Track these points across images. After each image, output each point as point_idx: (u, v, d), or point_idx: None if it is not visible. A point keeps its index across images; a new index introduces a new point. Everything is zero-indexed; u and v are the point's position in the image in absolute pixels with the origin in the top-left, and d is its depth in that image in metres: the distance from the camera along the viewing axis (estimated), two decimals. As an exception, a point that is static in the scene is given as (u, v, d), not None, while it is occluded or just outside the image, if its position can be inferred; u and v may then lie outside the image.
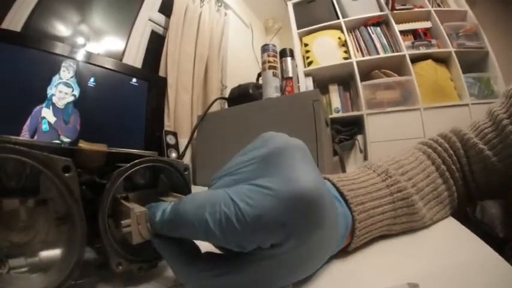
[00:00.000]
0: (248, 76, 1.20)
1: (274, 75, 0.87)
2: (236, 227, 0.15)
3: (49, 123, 0.76)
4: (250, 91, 0.97)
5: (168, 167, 0.24)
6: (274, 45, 0.92)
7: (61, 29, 1.00)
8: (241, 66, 1.62)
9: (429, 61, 1.60)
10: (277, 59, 0.91)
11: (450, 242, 0.26)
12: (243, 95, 0.97)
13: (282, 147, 0.18)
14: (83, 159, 0.19)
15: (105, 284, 0.21)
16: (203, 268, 0.17)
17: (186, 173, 0.25)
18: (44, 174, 0.16)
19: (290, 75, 0.90)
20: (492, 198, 0.54)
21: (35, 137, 0.72)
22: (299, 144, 0.19)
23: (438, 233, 0.28)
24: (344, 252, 0.24)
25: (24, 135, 0.71)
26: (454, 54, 1.58)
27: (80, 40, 1.08)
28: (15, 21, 0.83)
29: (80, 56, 0.85)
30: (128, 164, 0.20)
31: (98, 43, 1.14)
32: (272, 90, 0.84)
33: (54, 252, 0.18)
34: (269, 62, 0.88)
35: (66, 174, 0.17)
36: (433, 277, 0.19)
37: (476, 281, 0.18)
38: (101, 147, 0.20)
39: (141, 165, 0.21)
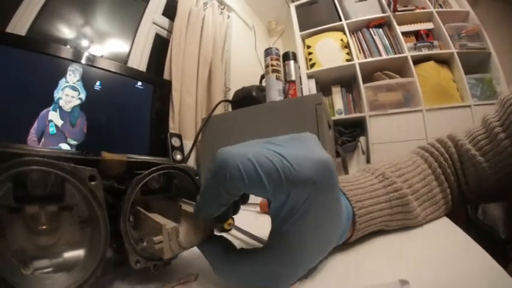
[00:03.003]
0: (251, 78, 1.21)
1: (278, 78, 0.88)
2: (281, 177, 0.17)
3: (56, 126, 0.77)
4: (254, 94, 0.98)
5: (181, 173, 0.25)
6: (277, 49, 0.93)
7: (66, 32, 1.02)
8: (245, 68, 1.64)
9: (431, 62, 1.60)
10: (280, 63, 0.92)
11: (443, 241, 0.28)
12: (247, 98, 0.99)
13: (303, 134, 0.22)
14: (105, 168, 0.20)
15: (121, 281, 0.23)
16: (244, 257, 0.20)
17: (197, 178, 0.27)
18: (71, 183, 0.18)
19: (293, 78, 0.91)
20: (487, 202, 0.56)
21: (42, 140, 0.74)
22: (314, 136, 0.23)
23: (432, 233, 0.30)
24: (346, 245, 0.27)
25: (32, 138, 0.73)
26: (456, 55, 1.58)
27: (86, 43, 1.09)
28: (20, 24, 0.84)
29: (86, 59, 0.87)
30: (146, 172, 0.22)
31: (103, 46, 1.16)
32: (275, 93, 0.86)
33: (78, 253, 0.20)
34: (272, 65, 0.89)
35: (92, 183, 0.18)
36: (424, 275, 0.20)
37: (465, 280, 0.20)
38: (122, 157, 0.22)
39: (157, 173, 0.23)
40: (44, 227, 0.19)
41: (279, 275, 0.19)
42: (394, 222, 0.30)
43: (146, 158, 0.26)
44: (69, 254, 0.20)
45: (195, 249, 0.26)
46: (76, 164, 0.18)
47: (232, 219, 0.39)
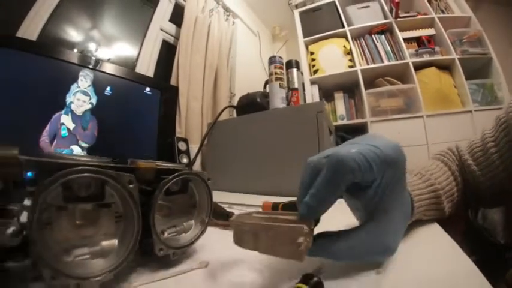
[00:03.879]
0: (256, 83, 1.25)
1: (281, 86, 0.91)
2: (381, 160, 0.23)
3: (68, 129, 0.81)
4: (258, 100, 1.01)
5: (197, 177, 0.30)
6: (280, 57, 0.96)
7: (76, 37, 1.06)
8: (250, 73, 1.68)
9: (433, 68, 1.61)
10: (284, 70, 0.95)
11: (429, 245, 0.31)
12: (251, 104, 1.02)
13: (372, 133, 0.28)
14: (139, 174, 0.25)
15: (143, 267, 0.27)
16: (355, 235, 0.24)
17: (209, 181, 0.32)
18: (113, 186, 0.22)
19: (296, 86, 0.95)
20: (484, 206, 0.58)
21: (55, 142, 0.77)
22: (380, 133, 0.29)
23: (420, 236, 0.33)
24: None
25: (44, 140, 0.76)
26: (457, 61, 1.59)
27: (95, 49, 1.13)
28: (31, 28, 0.87)
29: (97, 65, 0.90)
30: (170, 177, 0.26)
31: (111, 51, 1.20)
32: (278, 101, 0.89)
33: (113, 242, 0.24)
34: (276, 73, 0.92)
35: (131, 186, 0.23)
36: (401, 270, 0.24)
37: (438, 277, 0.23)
38: (152, 165, 0.26)
39: (179, 177, 0.27)
40: (86, 221, 0.23)
41: (388, 244, 0.24)
42: (429, 212, 0.35)
43: (170, 165, 0.31)
44: (106, 243, 0.23)
45: (206, 241, 0.31)
46: (118, 171, 0.22)
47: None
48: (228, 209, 0.52)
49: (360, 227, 0.24)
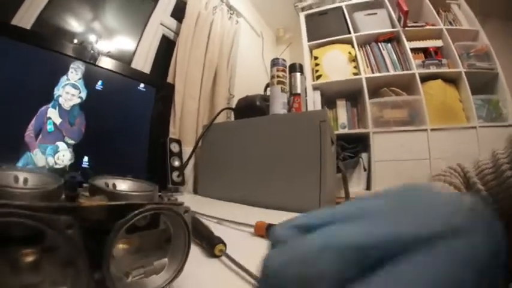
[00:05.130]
0: (256, 85, 1.20)
1: (283, 90, 0.86)
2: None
3: (54, 124, 0.76)
4: (258, 103, 0.96)
5: (170, 213, 0.24)
6: (284, 60, 0.91)
7: (71, 29, 1.01)
8: (250, 75, 1.63)
9: (439, 81, 1.58)
10: (287, 74, 0.90)
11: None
12: (250, 107, 0.97)
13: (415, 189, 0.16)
14: (85, 213, 0.19)
15: None
16: None
17: (185, 214, 0.26)
18: (50, 232, 0.17)
19: (298, 91, 0.90)
20: None
21: (40, 137, 0.73)
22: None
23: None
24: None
25: (29, 134, 0.71)
26: (464, 75, 1.56)
27: (90, 41, 1.08)
28: (27, 16, 0.83)
29: (90, 58, 0.86)
30: (129, 215, 0.20)
31: (108, 45, 1.14)
32: (279, 106, 0.84)
33: None
34: (278, 76, 0.87)
35: (69, 231, 0.17)
36: None
37: None
38: (101, 202, 0.20)
39: (142, 215, 0.22)
40: (27, 267, 0.18)
41: None
42: None
43: (131, 194, 0.25)
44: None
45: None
46: (53, 212, 0.17)
47: (225, 245, 0.37)
48: (214, 226, 0.47)
49: None
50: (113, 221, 0.20)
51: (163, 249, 0.26)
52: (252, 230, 0.48)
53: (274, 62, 0.90)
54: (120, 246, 0.25)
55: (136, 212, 0.21)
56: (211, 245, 0.36)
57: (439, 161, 1.39)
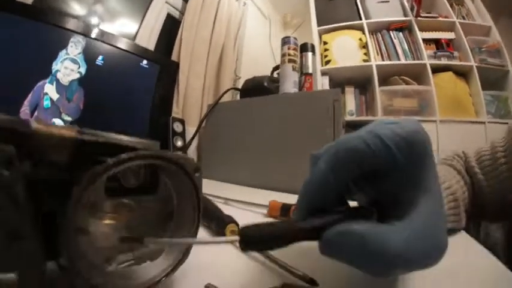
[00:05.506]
0: (262, 69, 1.15)
1: (294, 69, 0.82)
2: (397, 140, 0.17)
3: (51, 99, 0.74)
4: (266, 84, 0.92)
5: (172, 165, 0.18)
6: (295, 38, 0.87)
7: (74, 4, 0.97)
8: (256, 58, 1.57)
9: (450, 73, 1.55)
10: (298, 53, 0.86)
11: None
12: (258, 88, 0.93)
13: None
14: (39, 147, 0.13)
15: None
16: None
17: (196, 174, 0.19)
18: None
19: (310, 71, 0.85)
20: (484, 219, 0.56)
21: (35, 113, 0.70)
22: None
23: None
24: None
25: (25, 110, 0.69)
26: (475, 69, 1.53)
27: (92, 16, 1.04)
28: None
29: (90, 32, 0.82)
30: (110, 160, 0.14)
31: (110, 21, 1.10)
32: (290, 84, 0.79)
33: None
34: (289, 55, 0.83)
35: (5, 173, 0.11)
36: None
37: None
38: (67, 131, 0.14)
39: (129, 163, 0.15)
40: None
41: (442, 237, 0.17)
42: (451, 218, 0.32)
43: (117, 139, 0.16)
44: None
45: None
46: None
47: (237, 225, 0.33)
48: (224, 205, 0.43)
49: (409, 212, 0.17)
50: (84, 171, 0.14)
51: (162, 227, 0.20)
52: (264, 210, 0.44)
53: (285, 40, 0.85)
54: (102, 219, 0.18)
55: (122, 155, 0.14)
56: (222, 225, 0.32)
57: (447, 153, 1.36)
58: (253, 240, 0.15)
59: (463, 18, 1.73)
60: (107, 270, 0.16)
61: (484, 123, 1.46)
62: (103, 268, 0.16)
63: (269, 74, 1.05)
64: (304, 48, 0.88)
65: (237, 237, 0.15)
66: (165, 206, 0.20)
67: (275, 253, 0.24)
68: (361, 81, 1.64)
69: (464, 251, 0.29)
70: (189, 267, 0.19)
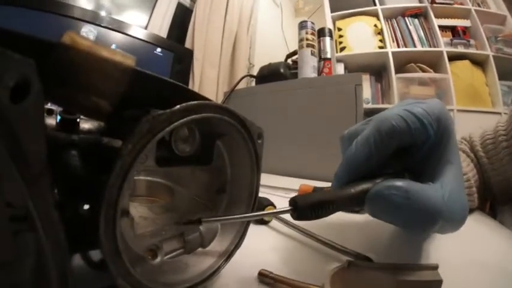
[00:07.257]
0: (275, 57, 1.13)
1: (312, 54, 0.80)
2: (432, 115, 0.19)
3: None
4: (282, 70, 0.90)
5: (238, 125, 0.15)
6: (312, 23, 0.85)
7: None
8: (269, 46, 1.54)
9: (466, 61, 1.51)
10: (316, 38, 0.84)
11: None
12: (273, 74, 0.91)
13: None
14: (76, 72, 0.09)
15: None
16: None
17: (259, 141, 0.17)
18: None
19: (328, 56, 0.83)
20: (494, 202, 0.54)
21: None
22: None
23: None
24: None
25: None
26: (491, 58, 1.49)
27: (102, 9, 1.04)
28: None
29: (102, 21, 0.82)
30: (175, 107, 0.11)
31: (120, 14, 1.10)
32: (309, 69, 0.78)
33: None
34: (307, 39, 0.81)
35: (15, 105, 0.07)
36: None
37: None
38: (122, 57, 0.10)
39: (197, 116, 0.12)
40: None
41: (465, 201, 0.20)
42: None
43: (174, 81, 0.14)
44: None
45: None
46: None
47: (274, 207, 0.32)
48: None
49: (440, 174, 0.19)
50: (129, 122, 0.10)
51: (212, 205, 0.17)
52: (294, 195, 0.43)
53: (303, 25, 0.83)
54: (139, 201, 0.17)
55: (189, 103, 0.11)
56: (260, 207, 0.30)
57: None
58: (306, 208, 0.16)
59: (478, 6, 1.67)
60: (153, 262, 0.13)
61: (500, 113, 1.41)
62: (147, 261, 0.13)
63: (283, 61, 1.03)
64: (321, 33, 0.86)
65: (290, 207, 0.16)
66: (217, 178, 0.18)
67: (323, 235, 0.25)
68: (376, 69, 1.60)
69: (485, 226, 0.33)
70: (238, 253, 0.17)
